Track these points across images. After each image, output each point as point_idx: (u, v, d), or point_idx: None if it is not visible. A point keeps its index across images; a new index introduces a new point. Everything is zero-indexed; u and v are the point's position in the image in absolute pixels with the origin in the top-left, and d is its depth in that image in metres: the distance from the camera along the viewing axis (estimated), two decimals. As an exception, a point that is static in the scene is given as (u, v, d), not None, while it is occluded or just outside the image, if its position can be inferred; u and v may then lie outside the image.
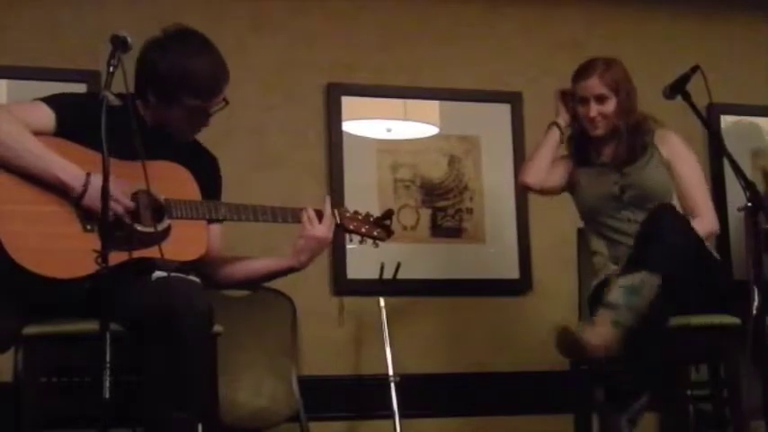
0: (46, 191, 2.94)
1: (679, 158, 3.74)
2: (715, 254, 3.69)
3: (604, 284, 3.46)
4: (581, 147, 3.86)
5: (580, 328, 3.28)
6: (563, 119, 3.85)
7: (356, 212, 3.41)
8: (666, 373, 3.39)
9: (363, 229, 3.39)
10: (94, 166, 2.83)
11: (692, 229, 3.47)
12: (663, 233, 3.36)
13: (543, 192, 3.94)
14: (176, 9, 4.31)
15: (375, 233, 3.41)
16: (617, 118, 3.71)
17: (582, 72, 3.78)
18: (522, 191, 4.71)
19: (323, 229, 3.24)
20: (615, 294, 3.31)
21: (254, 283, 3.48)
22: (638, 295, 3.28)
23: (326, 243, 3.28)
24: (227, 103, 3.20)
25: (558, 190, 3.92)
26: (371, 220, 3.41)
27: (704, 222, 3.67)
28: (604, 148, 3.82)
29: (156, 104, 3.15)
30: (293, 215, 3.26)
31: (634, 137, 3.74)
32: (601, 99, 3.73)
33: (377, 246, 3.45)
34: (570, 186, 3.89)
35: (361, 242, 3.41)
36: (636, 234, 3.55)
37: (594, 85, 3.73)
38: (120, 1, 4.40)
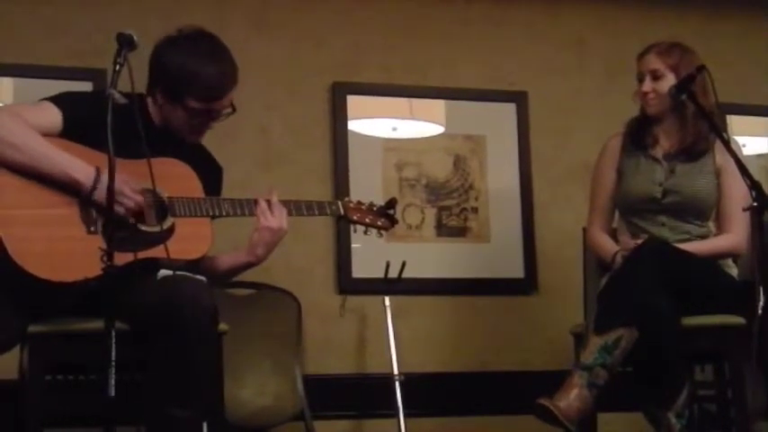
0: (49, 193, 2.94)
1: (729, 170, 3.57)
2: (728, 270, 3.68)
3: (616, 280, 3.48)
4: (641, 129, 3.78)
5: (555, 398, 3.29)
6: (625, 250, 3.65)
7: (359, 202, 3.43)
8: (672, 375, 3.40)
9: (367, 219, 3.40)
10: (97, 164, 2.85)
11: (678, 261, 3.46)
12: (637, 283, 3.36)
13: None
14: (182, 7, 4.32)
15: (379, 222, 3.42)
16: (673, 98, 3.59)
17: (644, 49, 3.75)
18: (528, 190, 4.76)
19: (275, 220, 3.20)
20: (589, 355, 3.33)
21: (218, 280, 3.40)
22: (612, 354, 3.31)
23: (281, 233, 3.22)
24: (234, 110, 3.21)
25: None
26: (375, 209, 3.43)
27: (731, 239, 3.66)
28: (663, 139, 3.76)
29: (161, 102, 3.16)
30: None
31: (701, 126, 3.65)
32: (656, 76, 3.68)
33: (381, 235, 3.47)
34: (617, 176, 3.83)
35: (365, 232, 3.42)
36: (606, 283, 3.56)
37: (651, 60, 3.69)
38: (126, -1, 4.41)
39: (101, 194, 2.91)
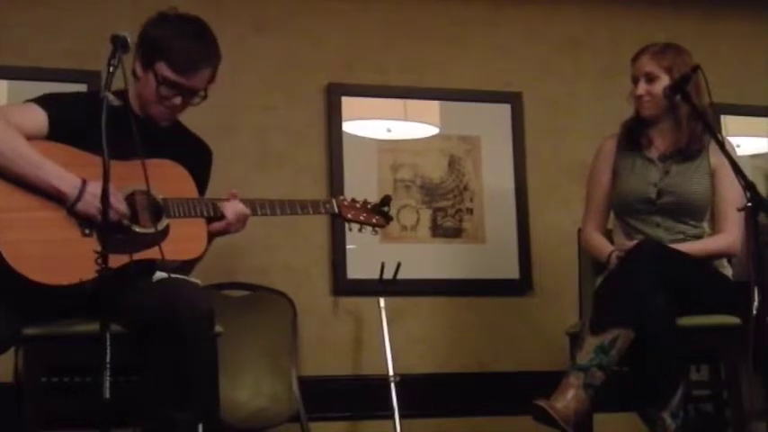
0: (42, 197, 2.94)
1: (724, 171, 3.56)
2: (723, 270, 3.69)
3: (612, 280, 3.48)
4: (635, 130, 3.80)
5: (551, 400, 3.29)
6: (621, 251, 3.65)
7: (354, 200, 3.44)
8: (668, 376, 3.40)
9: (362, 217, 3.42)
10: (89, 167, 2.84)
11: (671, 260, 3.46)
12: (633, 283, 3.36)
13: None
14: (178, 8, 4.30)
15: (374, 220, 3.43)
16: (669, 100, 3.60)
17: (637, 52, 3.77)
18: (523, 191, 4.76)
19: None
20: (585, 356, 3.33)
21: None
22: (608, 354, 3.31)
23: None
24: (205, 96, 3.19)
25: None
26: (369, 207, 3.44)
27: (725, 239, 3.66)
28: (658, 140, 3.77)
29: (139, 74, 3.15)
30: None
31: (695, 126, 3.66)
32: (650, 78, 3.70)
33: (376, 233, 3.48)
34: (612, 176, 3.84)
35: (360, 230, 3.43)
36: (601, 284, 3.56)
37: (645, 62, 3.71)
38: (120, 1, 4.39)
39: (84, 206, 2.91)
